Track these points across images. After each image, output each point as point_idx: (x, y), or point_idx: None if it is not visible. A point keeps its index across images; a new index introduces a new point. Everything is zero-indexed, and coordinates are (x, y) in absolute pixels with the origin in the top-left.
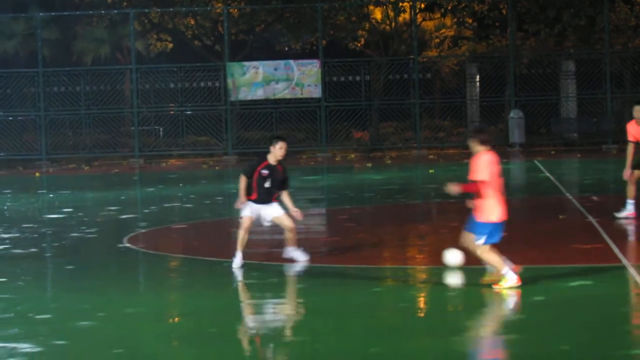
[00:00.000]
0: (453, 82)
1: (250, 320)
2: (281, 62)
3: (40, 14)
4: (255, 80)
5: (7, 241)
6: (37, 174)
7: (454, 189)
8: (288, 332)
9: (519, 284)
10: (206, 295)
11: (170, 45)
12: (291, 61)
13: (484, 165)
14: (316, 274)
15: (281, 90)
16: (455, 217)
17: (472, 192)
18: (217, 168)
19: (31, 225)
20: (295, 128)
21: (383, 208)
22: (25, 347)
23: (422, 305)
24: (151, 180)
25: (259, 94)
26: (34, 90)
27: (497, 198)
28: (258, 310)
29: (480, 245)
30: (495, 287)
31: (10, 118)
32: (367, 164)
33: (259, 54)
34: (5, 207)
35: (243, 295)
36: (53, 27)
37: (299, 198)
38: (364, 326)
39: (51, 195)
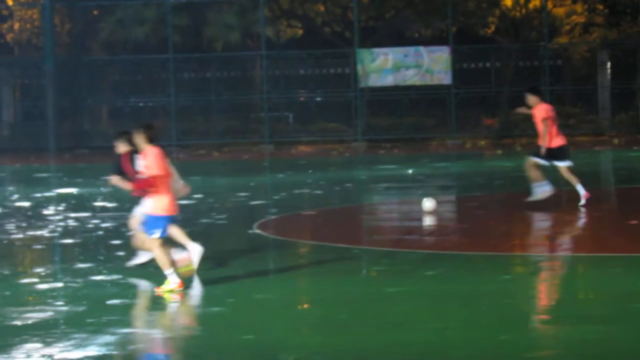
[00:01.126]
0: (584, 69)
1: (378, 306)
2: (411, 49)
3: (171, 0)
4: (385, 66)
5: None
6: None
7: (115, 182)
8: (417, 319)
9: (181, 287)
10: (336, 281)
11: (300, 32)
12: (421, 48)
13: (156, 160)
14: (446, 261)
15: (411, 77)
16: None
17: (146, 187)
18: (346, 155)
19: None
20: (424, 115)
21: (513, 195)
22: (156, 332)
23: (551, 293)
24: (281, 167)
25: (389, 80)
26: (164, 76)
27: (168, 192)
28: (387, 297)
29: (153, 239)
30: (158, 290)
31: (141, 104)
32: (497, 151)
33: (389, 41)
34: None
35: (373, 282)
36: (184, 13)
37: (429, 185)
38: (493, 313)
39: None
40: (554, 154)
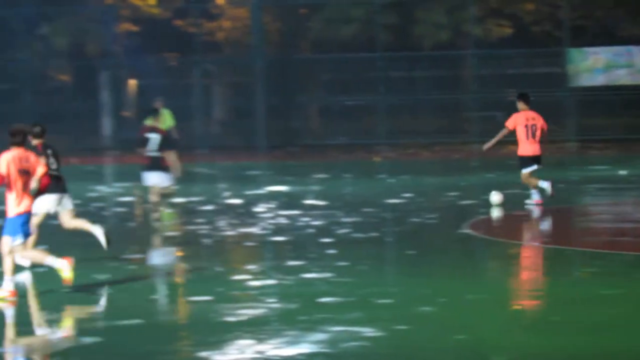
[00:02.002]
0: None
1: (591, 308)
2: (622, 48)
3: None
4: (596, 66)
5: (348, 225)
6: (376, 159)
7: None
8: (631, 323)
9: (12, 296)
10: (547, 282)
11: (509, 31)
12: (633, 47)
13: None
14: None
15: (622, 77)
16: None
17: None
18: (557, 155)
19: (371, 209)
20: (636, 115)
21: None
22: (367, 331)
23: None
24: (491, 166)
25: (600, 80)
26: (373, 75)
27: (19, 192)
28: (600, 299)
29: (15, 245)
30: None
31: (351, 102)
32: None
33: (599, 40)
34: (346, 192)
35: (585, 283)
36: (392, 11)
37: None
38: None
39: (391, 180)
40: (535, 159)
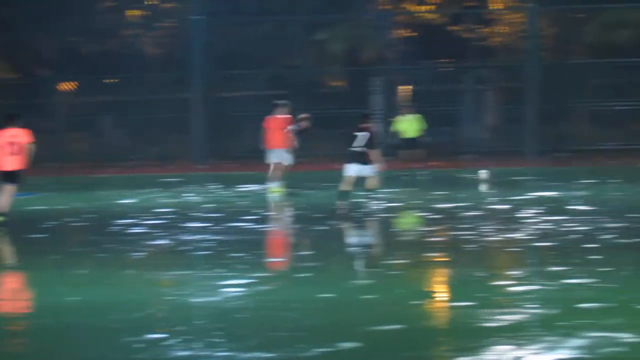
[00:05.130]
0: None
1: None
2: None
3: None
4: None
5: (613, 231)
6: None
7: None
8: None
9: None
10: None
11: None
12: None
13: None
14: None
15: None
16: None
17: None
18: None
19: (638, 215)
20: None
21: None
22: (627, 337)
23: None
24: None
25: None
26: None
27: None
28: None
29: None
30: None
31: (620, 107)
32: None
33: None
34: (613, 197)
35: None
36: None
37: None
38: None
39: None
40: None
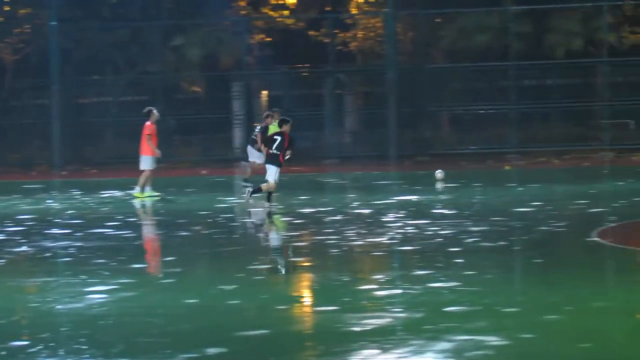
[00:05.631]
0: None
1: None
2: None
3: (513, 7)
4: None
5: (476, 234)
6: (507, 167)
7: None
8: None
9: None
10: None
11: None
12: None
13: None
14: None
15: None
16: None
17: None
18: None
19: (500, 218)
20: None
21: None
22: (492, 340)
23: None
24: (622, 174)
25: None
26: (504, 83)
27: None
28: None
29: None
30: None
31: (482, 111)
32: None
33: None
34: (475, 201)
35: None
36: (525, 20)
37: None
38: None
39: (520, 189)
40: None
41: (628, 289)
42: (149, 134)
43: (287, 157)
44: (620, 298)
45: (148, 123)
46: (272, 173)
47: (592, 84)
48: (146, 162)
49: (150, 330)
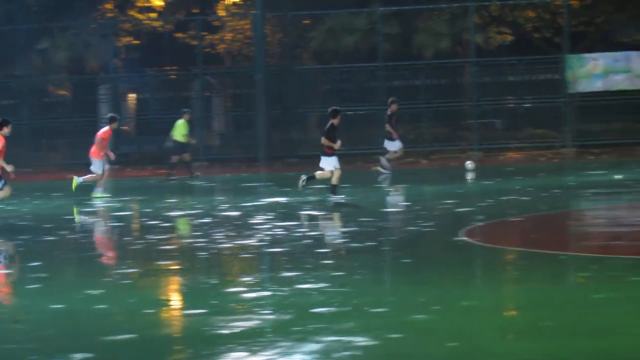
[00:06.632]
0: None
1: (585, 313)
2: (621, 54)
3: (381, 8)
4: (594, 72)
5: (345, 235)
6: (375, 168)
7: None
8: (624, 326)
9: None
10: (542, 288)
11: (510, 38)
12: (631, 52)
13: None
14: None
15: (620, 82)
16: None
17: None
18: (555, 161)
19: (369, 219)
20: (634, 120)
21: None
22: (361, 340)
23: None
24: (489, 174)
25: (598, 86)
26: (374, 84)
27: None
28: (594, 304)
29: None
30: None
31: (351, 112)
32: None
33: (599, 46)
34: (344, 202)
35: (580, 288)
36: (393, 21)
37: (637, 190)
38: None
39: (389, 189)
40: None
41: (495, 288)
42: (102, 138)
43: None
44: (487, 296)
45: (107, 128)
46: None
47: (459, 84)
48: (97, 165)
49: (15, 336)
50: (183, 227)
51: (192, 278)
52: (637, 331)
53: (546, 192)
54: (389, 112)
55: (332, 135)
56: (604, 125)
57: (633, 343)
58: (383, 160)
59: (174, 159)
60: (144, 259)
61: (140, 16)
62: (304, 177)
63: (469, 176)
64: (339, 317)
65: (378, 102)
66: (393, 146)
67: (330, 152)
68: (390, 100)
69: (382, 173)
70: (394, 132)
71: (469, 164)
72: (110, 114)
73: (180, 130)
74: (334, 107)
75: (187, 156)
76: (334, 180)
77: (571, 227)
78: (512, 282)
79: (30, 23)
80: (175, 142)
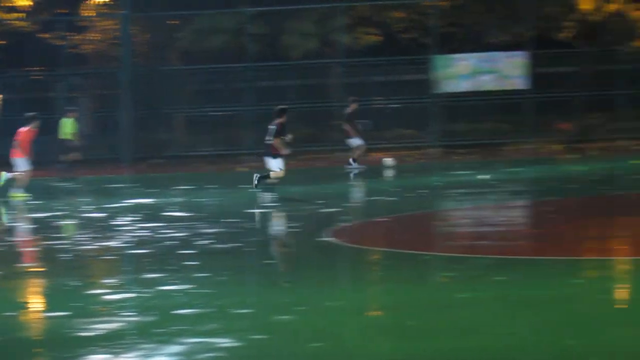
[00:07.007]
0: None
1: (449, 312)
2: (487, 55)
3: (249, 9)
4: (461, 72)
5: (209, 236)
6: (241, 169)
7: None
8: (487, 325)
9: None
10: (406, 288)
11: (378, 39)
12: (497, 53)
13: None
14: (517, 266)
15: (487, 83)
16: None
17: None
18: (421, 161)
19: (234, 220)
20: (500, 120)
21: (588, 200)
22: (224, 341)
23: (624, 297)
24: (358, 174)
25: (465, 86)
26: (242, 85)
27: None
28: (457, 303)
29: None
30: None
31: (218, 113)
32: (573, 156)
33: (467, 47)
34: (209, 203)
35: (443, 288)
36: (261, 22)
37: (503, 190)
38: (564, 319)
39: (255, 190)
40: None
41: (360, 288)
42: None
43: None
44: (352, 297)
45: (30, 127)
46: None
47: (327, 84)
48: (22, 164)
49: None
50: (45, 229)
51: (55, 280)
52: (501, 331)
53: (412, 192)
54: (349, 111)
55: (282, 135)
56: (470, 125)
57: (497, 342)
58: (350, 161)
59: (73, 156)
60: (4, 261)
61: (5, 16)
62: (257, 175)
63: (388, 173)
64: (202, 319)
65: (246, 103)
66: (354, 142)
67: (275, 153)
68: (350, 99)
69: (354, 169)
70: (351, 130)
71: (388, 161)
72: (32, 113)
73: (66, 128)
74: (282, 106)
75: (77, 155)
76: (272, 175)
77: (436, 227)
78: (377, 282)
79: None
80: (64, 140)
